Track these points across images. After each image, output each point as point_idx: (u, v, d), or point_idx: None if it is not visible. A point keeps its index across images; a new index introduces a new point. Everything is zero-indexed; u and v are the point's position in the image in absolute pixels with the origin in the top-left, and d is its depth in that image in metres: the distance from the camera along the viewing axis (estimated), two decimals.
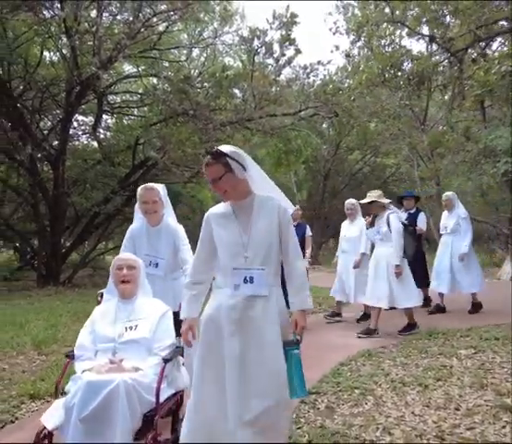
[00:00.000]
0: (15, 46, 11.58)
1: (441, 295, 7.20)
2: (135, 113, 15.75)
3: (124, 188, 13.02)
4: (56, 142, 13.81)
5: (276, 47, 11.89)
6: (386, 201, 6.08)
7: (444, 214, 7.38)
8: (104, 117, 15.16)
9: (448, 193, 7.37)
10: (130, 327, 2.87)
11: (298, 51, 11.73)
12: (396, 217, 5.97)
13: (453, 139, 11.53)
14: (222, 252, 2.58)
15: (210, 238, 2.63)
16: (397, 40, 12.14)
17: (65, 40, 11.72)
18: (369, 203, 6.05)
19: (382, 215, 6.04)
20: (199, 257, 2.68)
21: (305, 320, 2.59)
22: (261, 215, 2.58)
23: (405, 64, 11.42)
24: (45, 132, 14.29)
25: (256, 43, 11.80)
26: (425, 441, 3.00)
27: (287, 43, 11.56)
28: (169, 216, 3.84)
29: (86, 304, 8.53)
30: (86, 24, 10.81)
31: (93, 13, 11.63)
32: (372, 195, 6.08)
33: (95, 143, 15.12)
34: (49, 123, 15.28)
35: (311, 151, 16.59)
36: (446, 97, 13.28)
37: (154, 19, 11.25)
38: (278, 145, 14.07)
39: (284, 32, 11.42)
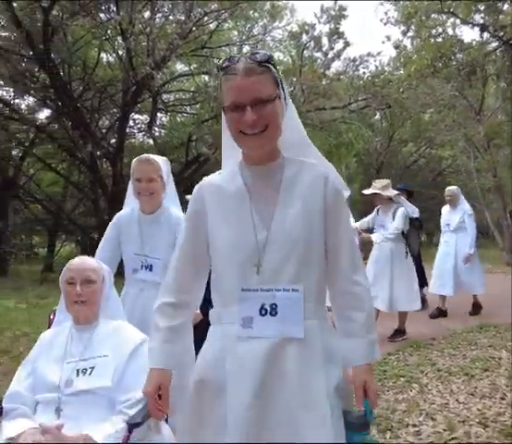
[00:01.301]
0: (74, 49, 12.17)
1: (443, 297, 6.53)
2: (187, 110, 16.17)
3: (178, 183, 13.43)
4: (114, 140, 14.42)
5: (325, 41, 11.91)
6: (393, 193, 5.39)
7: (446, 209, 6.75)
8: (159, 115, 15.69)
9: (452, 188, 6.79)
10: (84, 370, 1.90)
11: (347, 44, 11.71)
12: (402, 214, 5.28)
13: (510, 129, 11.17)
14: (221, 259, 1.47)
15: (199, 232, 1.52)
16: (448, 29, 11.87)
17: (120, 41, 12.21)
18: (373, 194, 5.35)
19: (387, 208, 5.39)
20: (179, 266, 1.57)
21: (373, 380, 1.46)
22: (293, 193, 1.44)
23: (456, 54, 11.15)
24: (104, 131, 14.92)
25: (305, 37, 11.85)
26: (468, 427, 3.07)
27: (336, 37, 11.54)
28: (171, 203, 2.77)
29: None
30: (140, 26, 11.23)
31: (146, 14, 12.05)
32: (376, 186, 5.35)
33: (151, 141, 15.66)
34: (107, 122, 15.93)
35: (363, 144, 16.46)
36: (501, 86, 12.85)
37: (205, 19, 11.52)
38: (328, 139, 14.07)
39: (332, 26, 11.41)
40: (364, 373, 1.44)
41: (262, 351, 1.37)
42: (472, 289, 6.48)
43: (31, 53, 11.58)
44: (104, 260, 2.47)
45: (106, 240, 2.75)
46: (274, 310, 1.40)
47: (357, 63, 12.09)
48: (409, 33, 12.36)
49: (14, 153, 15.42)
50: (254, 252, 1.41)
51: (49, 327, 2.26)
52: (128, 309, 2.54)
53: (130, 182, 2.70)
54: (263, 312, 1.40)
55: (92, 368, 1.91)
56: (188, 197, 3.86)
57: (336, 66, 16.00)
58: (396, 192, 5.43)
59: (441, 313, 6.47)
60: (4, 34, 12.58)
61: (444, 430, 3.02)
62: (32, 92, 12.55)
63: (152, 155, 2.72)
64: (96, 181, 12.97)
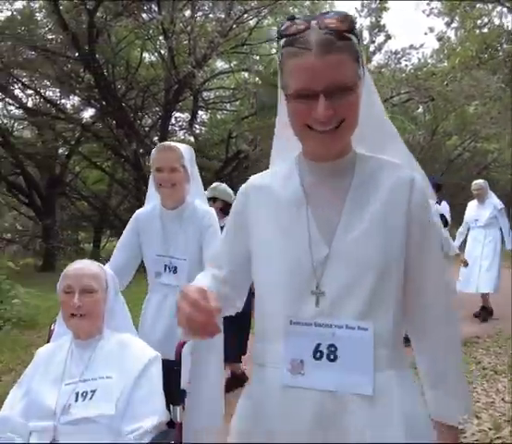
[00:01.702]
0: (118, 50, 12.46)
1: (485, 296, 6.16)
2: (227, 108, 16.30)
3: (219, 179, 13.64)
4: (156, 138, 14.70)
5: (366, 34, 11.76)
6: None
7: (473, 204, 6.34)
8: (199, 112, 15.88)
9: (479, 181, 6.39)
10: (84, 394, 1.62)
11: (388, 37, 11.54)
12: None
13: None
14: (265, 280, 1.12)
15: (237, 244, 1.20)
16: (494, 19, 11.50)
17: (162, 41, 12.42)
18: None
19: None
20: (225, 249, 1.25)
21: None
22: (366, 200, 1.08)
23: (502, 44, 10.81)
24: (146, 129, 15.23)
25: None
26: None
27: (377, 30, 11.39)
28: (196, 196, 2.46)
29: None
30: (181, 24, 11.39)
31: (187, 13, 12.20)
32: None
33: (191, 138, 15.88)
34: (149, 120, 16.25)
35: (406, 137, 16.19)
36: None
37: (245, 16, 11.58)
38: None
39: (373, 19, 11.26)
40: (451, 437, 1.11)
41: (312, 408, 1.01)
42: (484, 287, 6.13)
43: (77, 54, 11.93)
44: (119, 264, 2.33)
45: (123, 242, 2.42)
46: (332, 353, 1.03)
47: (399, 56, 11.90)
48: (453, 24, 12.07)
49: (60, 151, 15.95)
50: (310, 276, 1.04)
51: (48, 341, 1.96)
52: (149, 319, 2.33)
53: (151, 176, 2.38)
54: (318, 355, 1.04)
55: (94, 392, 1.62)
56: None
57: (378, 59, 15.82)
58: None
59: (486, 311, 6.23)
60: (50, 37, 13.01)
61: (490, 429, 2.99)
62: (78, 92, 12.95)
63: (173, 142, 2.38)
64: (140, 178, 13.26)
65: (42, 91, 14.40)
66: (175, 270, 2.32)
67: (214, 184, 4.18)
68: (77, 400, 1.61)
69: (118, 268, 2.26)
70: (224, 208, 3.78)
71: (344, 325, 1.03)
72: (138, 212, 2.47)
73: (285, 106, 1.07)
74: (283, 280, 1.07)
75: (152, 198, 2.45)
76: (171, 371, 1.80)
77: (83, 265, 1.81)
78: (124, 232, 2.45)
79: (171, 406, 1.75)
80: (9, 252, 16.20)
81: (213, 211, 2.41)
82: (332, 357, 1.04)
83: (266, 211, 1.14)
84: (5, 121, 15.14)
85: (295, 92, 1.01)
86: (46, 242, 14.19)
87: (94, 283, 1.76)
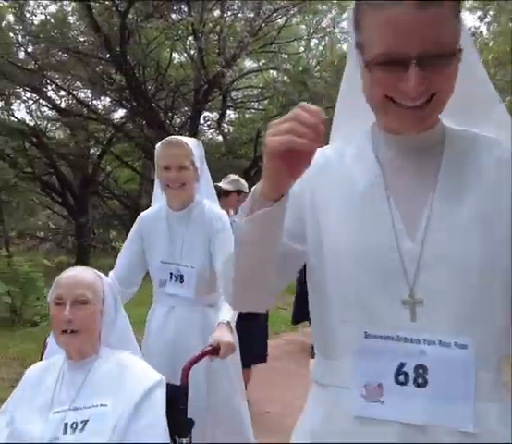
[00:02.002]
0: (148, 51, 12.63)
1: None
2: (256, 107, 16.34)
3: (247, 179, 13.71)
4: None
5: None
6: None
7: None
8: (227, 111, 15.96)
9: None
10: (73, 425, 1.37)
11: None
12: None
13: None
14: (333, 281, 0.89)
15: (295, 226, 0.94)
16: None
17: (192, 41, 12.53)
18: None
19: None
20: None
21: None
22: (462, 183, 0.86)
23: None
24: (176, 129, 15.40)
25: None
26: None
27: None
28: (206, 195, 2.23)
29: None
30: (210, 24, 11.48)
31: (216, 13, 12.28)
32: None
33: (219, 138, 15.98)
34: (178, 120, 16.42)
35: None
36: None
37: (274, 15, 11.60)
38: None
39: None
40: None
41: None
42: None
43: (108, 56, 12.15)
44: (123, 273, 2.15)
45: (126, 247, 2.21)
46: (420, 376, 0.80)
47: None
48: (486, 19, 11.82)
49: (92, 151, 16.25)
50: (401, 280, 0.83)
51: (40, 359, 1.73)
52: (153, 334, 2.10)
53: (156, 175, 2.17)
54: (402, 378, 0.81)
55: (85, 422, 1.36)
56: (220, 184, 3.29)
57: None
58: None
59: None
60: (82, 39, 13.28)
61: None
62: (109, 93, 13.17)
63: (181, 137, 2.14)
64: None
65: (74, 92, 14.70)
66: (181, 279, 2.06)
67: (233, 176, 4.03)
68: (65, 433, 1.36)
69: (122, 277, 2.11)
70: None
71: (437, 341, 0.80)
72: (142, 214, 2.25)
73: (355, 72, 0.87)
74: (362, 284, 0.84)
75: (159, 199, 2.24)
76: (176, 397, 1.53)
77: (76, 273, 1.55)
78: (128, 237, 2.24)
79: (176, 438, 1.52)
80: (43, 250, 16.65)
81: (224, 214, 2.16)
82: (420, 382, 0.81)
83: (335, 193, 0.91)
84: (38, 122, 15.51)
85: (379, 55, 0.79)
86: (79, 241, 14.50)
87: (89, 293, 1.50)
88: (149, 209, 2.29)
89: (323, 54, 15.40)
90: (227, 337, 1.78)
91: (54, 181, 15.46)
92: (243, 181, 4.09)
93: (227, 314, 1.89)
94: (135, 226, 2.25)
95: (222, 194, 3.57)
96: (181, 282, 2.08)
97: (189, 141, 2.13)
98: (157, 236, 2.17)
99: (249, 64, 16.10)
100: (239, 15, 12.50)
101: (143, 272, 2.25)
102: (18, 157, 12.52)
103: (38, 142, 13.54)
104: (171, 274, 2.10)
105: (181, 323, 2.07)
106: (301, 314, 4.93)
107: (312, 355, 1.01)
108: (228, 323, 1.85)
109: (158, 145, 2.11)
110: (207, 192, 2.25)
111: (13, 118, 14.03)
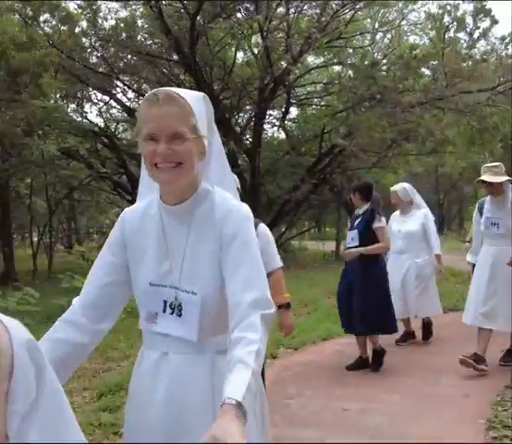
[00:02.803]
0: (216, 51, 12.81)
1: None
2: (319, 103, 16.24)
3: (312, 175, 13.67)
4: (248, 136, 14.99)
5: (469, 20, 11.25)
6: (501, 179, 4.28)
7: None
8: (291, 108, 15.96)
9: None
10: None
11: (494, 21, 10.95)
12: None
13: None
14: None
15: None
16: None
17: (256, 40, 12.62)
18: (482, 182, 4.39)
19: (497, 199, 4.39)
20: None
21: None
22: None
23: None
24: (241, 128, 15.56)
25: (447, 18, 11.29)
26: None
27: (482, 15, 10.85)
28: (218, 181, 1.46)
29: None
30: (274, 22, 11.50)
31: (280, 10, 12.28)
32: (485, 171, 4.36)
33: (281, 135, 16.02)
34: (241, 119, 16.58)
35: (510, 128, 15.28)
36: None
37: (341, 9, 11.49)
38: (471, 123, 13.29)
39: (478, 4, 10.74)
40: None
41: None
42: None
43: (177, 57, 12.42)
44: (92, 300, 1.38)
45: (99, 264, 1.44)
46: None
47: (506, 41, 11.27)
48: None
49: None
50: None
51: None
52: (138, 396, 1.40)
53: (140, 150, 1.33)
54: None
55: None
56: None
57: (481, 46, 15.09)
58: (507, 178, 4.30)
59: None
60: (149, 42, 13.65)
61: None
62: None
63: (175, 89, 1.32)
64: (237, 176, 13.57)
65: (143, 94, 15.14)
66: (179, 310, 1.36)
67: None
68: None
69: (90, 307, 1.38)
70: None
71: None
72: (125, 212, 1.48)
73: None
74: None
75: (145, 191, 1.49)
76: None
77: None
78: (104, 246, 1.47)
79: None
80: None
81: (244, 209, 1.37)
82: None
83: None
84: (109, 124, 16.08)
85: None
86: None
87: None
88: (135, 204, 1.50)
89: (389, 47, 15.12)
90: (234, 434, 0.97)
91: (123, 181, 16.00)
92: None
93: (240, 379, 1.11)
94: (115, 229, 1.46)
95: None
96: (179, 315, 1.36)
97: (188, 95, 1.32)
98: (145, 244, 1.40)
99: (311, 59, 16.05)
100: (308, 11, 12.46)
101: (124, 300, 1.46)
102: (91, 158, 13.00)
103: (109, 144, 14.03)
104: (165, 302, 1.38)
105: (178, 379, 1.33)
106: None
107: None
108: (239, 404, 1.05)
109: (142, 101, 1.32)
110: (219, 176, 1.46)
111: (86, 120, 14.60)
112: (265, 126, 16.70)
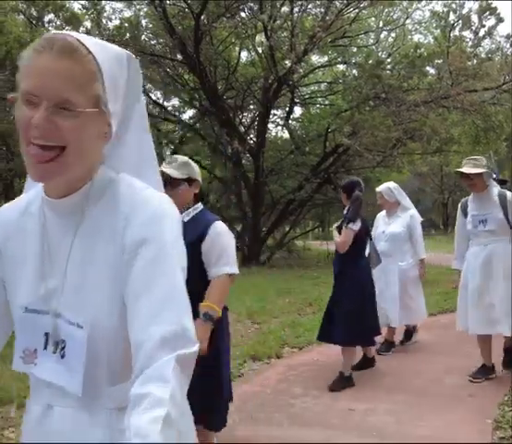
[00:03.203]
0: (220, 51, 12.80)
1: None
2: (323, 102, 16.19)
3: (316, 175, 13.65)
4: (252, 136, 14.98)
5: (474, 19, 11.19)
6: (479, 170, 4.07)
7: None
8: (294, 108, 15.94)
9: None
10: None
11: (499, 20, 10.90)
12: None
13: None
14: None
15: None
16: None
17: (260, 39, 12.59)
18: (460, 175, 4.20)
19: (483, 194, 4.18)
20: None
21: None
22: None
23: None
24: (245, 127, 15.56)
25: (452, 17, 11.25)
26: None
27: (488, 13, 10.79)
28: (132, 170, 1.02)
29: (286, 282, 9.66)
30: (278, 21, 11.48)
31: (284, 9, 12.26)
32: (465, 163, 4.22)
33: (285, 134, 15.99)
34: (247, 119, 16.57)
35: None
36: None
37: (345, 9, 11.45)
38: (476, 122, 13.24)
39: (483, 2, 10.69)
40: None
41: None
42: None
43: (182, 57, 12.42)
44: None
45: None
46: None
47: (511, 40, 11.22)
48: None
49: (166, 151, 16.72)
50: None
51: None
52: None
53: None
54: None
55: None
56: (164, 169, 2.26)
57: (486, 44, 15.02)
58: (484, 170, 4.06)
59: None
60: (154, 42, 13.66)
61: None
62: (181, 93, 13.49)
63: (86, 37, 0.93)
64: (240, 176, 13.57)
65: (148, 93, 15.16)
66: (62, 349, 0.96)
67: (181, 158, 2.59)
68: None
69: None
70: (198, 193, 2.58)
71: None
72: (0, 209, 1.11)
73: None
74: None
75: (31, 184, 1.08)
76: None
77: None
78: None
79: None
80: None
81: (164, 200, 0.98)
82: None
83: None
84: None
85: None
86: None
87: None
88: (16, 199, 1.12)
89: (394, 46, 15.07)
90: None
91: None
92: (194, 165, 2.60)
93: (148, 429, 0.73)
94: None
95: (167, 184, 1.74)
96: (62, 357, 0.96)
97: (101, 49, 0.93)
98: (24, 253, 1.02)
99: (315, 58, 16.01)
100: (312, 10, 12.42)
101: (8, 327, 1.07)
102: None
103: None
104: (46, 336, 0.98)
105: (65, 440, 0.96)
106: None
107: None
108: None
109: (27, 49, 0.91)
110: (135, 164, 1.07)
111: None
112: (269, 125, 16.71)
